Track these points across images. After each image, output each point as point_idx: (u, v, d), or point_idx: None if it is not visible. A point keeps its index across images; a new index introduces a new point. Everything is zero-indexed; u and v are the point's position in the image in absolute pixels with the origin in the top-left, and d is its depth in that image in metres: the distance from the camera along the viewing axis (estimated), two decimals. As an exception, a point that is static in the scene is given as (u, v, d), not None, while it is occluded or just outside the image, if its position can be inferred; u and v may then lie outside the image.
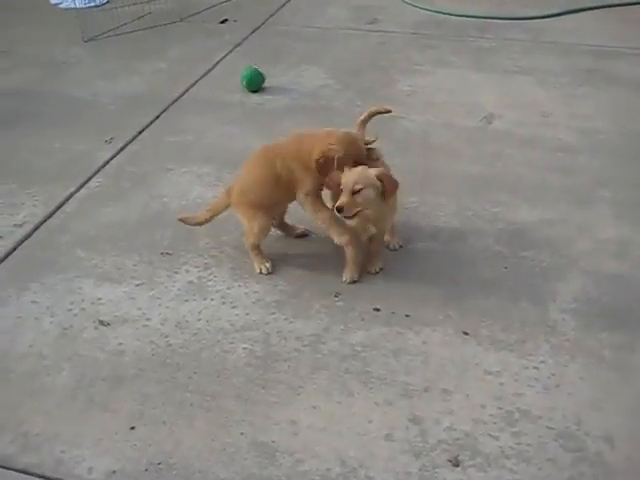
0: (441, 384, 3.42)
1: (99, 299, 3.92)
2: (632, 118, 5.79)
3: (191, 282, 4.05)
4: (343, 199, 3.70)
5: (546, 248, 4.31)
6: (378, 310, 3.84)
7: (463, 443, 3.15)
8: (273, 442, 3.14)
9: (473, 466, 3.05)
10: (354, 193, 3.70)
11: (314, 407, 3.31)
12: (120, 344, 3.63)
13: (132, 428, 3.20)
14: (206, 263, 4.20)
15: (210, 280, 4.05)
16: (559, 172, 5.05)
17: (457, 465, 3.07)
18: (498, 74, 6.66)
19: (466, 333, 3.71)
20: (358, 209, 3.74)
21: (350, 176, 3.72)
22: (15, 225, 4.49)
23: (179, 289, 3.98)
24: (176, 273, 4.11)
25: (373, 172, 3.75)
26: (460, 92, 6.29)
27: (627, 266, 4.16)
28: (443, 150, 5.35)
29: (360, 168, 3.76)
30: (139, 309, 3.85)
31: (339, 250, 4.01)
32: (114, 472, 3.01)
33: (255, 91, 6.31)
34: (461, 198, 4.76)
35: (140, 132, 5.58)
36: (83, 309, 3.86)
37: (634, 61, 6.87)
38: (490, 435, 3.19)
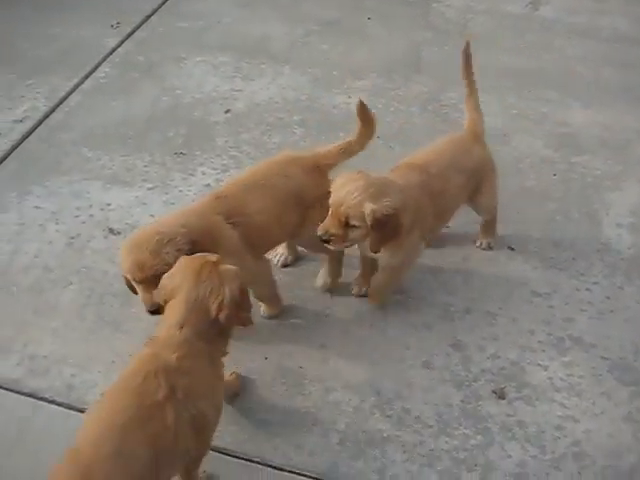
0: (485, 306, 3.12)
1: (108, 205, 3.57)
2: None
3: (208, 185, 3.68)
4: (331, 229, 2.73)
5: (600, 154, 3.89)
6: (414, 222, 3.50)
7: (509, 373, 2.88)
8: (301, 368, 2.89)
9: (520, 399, 2.79)
10: (347, 225, 2.74)
11: (345, 331, 3.03)
12: (132, 256, 3.33)
13: (147, 350, 2.96)
14: (224, 164, 3.82)
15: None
16: (616, 66, 4.53)
17: (502, 397, 2.80)
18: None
19: (512, 248, 3.38)
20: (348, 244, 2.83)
21: (344, 197, 2.69)
22: (15, 121, 4.08)
23: (195, 193, 3.61)
24: (191, 175, 3.74)
25: (373, 207, 2.65)
26: (502, -28, 5.63)
27: (691, 175, 3.77)
28: (484, 40, 4.79)
29: (360, 183, 2.70)
30: (152, 216, 3.50)
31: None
32: (128, 398, 2.79)
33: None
34: (504, 95, 4.28)
35: (148, 17, 5.04)
36: (91, 215, 3.52)
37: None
38: (539, 365, 2.91)
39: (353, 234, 2.74)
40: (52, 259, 3.31)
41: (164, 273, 2.38)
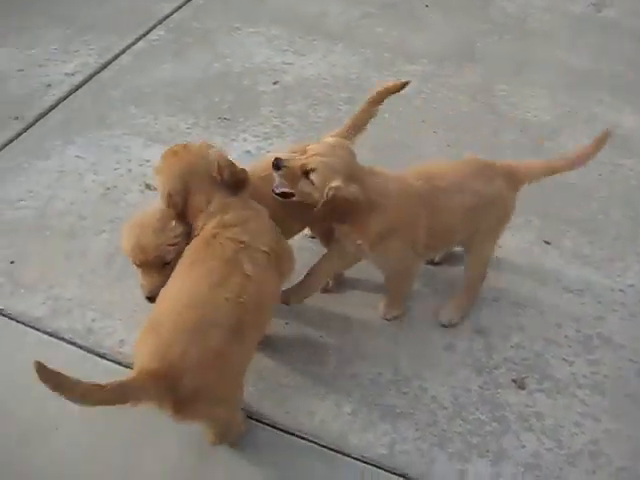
0: (513, 296, 3.05)
1: (147, 161, 3.59)
2: None
3: (248, 152, 3.68)
4: (292, 162, 2.53)
5: (648, 157, 3.79)
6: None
7: (532, 364, 2.81)
8: (321, 337, 2.87)
9: (541, 391, 2.72)
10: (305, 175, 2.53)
11: (370, 306, 2.99)
12: (166, 212, 3.34)
13: (170, 303, 2.96)
14: (266, 133, 3.81)
15: (269, 152, 3.64)
16: (675, 74, 4.41)
17: (522, 387, 2.74)
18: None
19: (547, 242, 3.30)
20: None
21: (324, 154, 2.51)
22: (66, 74, 4.14)
23: (234, 158, 3.58)
24: (233, 140, 3.73)
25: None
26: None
27: None
28: (542, 37, 4.71)
29: (345, 156, 2.55)
30: (189, 177, 3.52)
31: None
32: (147, 347, 2.79)
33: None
34: (557, 92, 4.19)
35: (207, -15, 5.07)
36: (129, 170, 3.55)
37: None
38: (564, 359, 2.84)
39: (302, 187, 2.51)
40: (87, 207, 3.34)
41: (167, 256, 2.40)
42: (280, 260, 2.48)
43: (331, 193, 2.45)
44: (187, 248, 2.38)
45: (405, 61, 4.35)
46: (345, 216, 2.53)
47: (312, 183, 2.49)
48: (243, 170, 2.54)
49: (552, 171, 2.85)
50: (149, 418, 2.33)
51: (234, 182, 2.50)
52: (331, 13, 4.80)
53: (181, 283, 2.26)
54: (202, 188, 2.44)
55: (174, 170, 2.49)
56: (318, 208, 2.50)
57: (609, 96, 4.18)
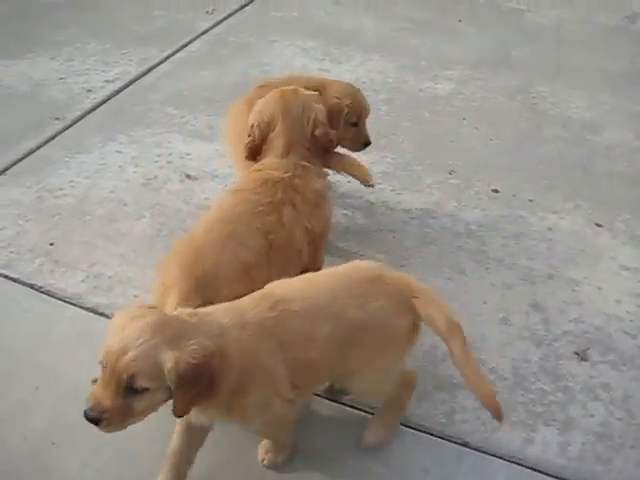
0: (569, 273, 2.94)
1: (188, 154, 3.57)
2: None
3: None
4: (105, 400, 1.73)
5: (696, 149, 3.71)
6: (497, 191, 3.36)
7: (593, 337, 2.67)
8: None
9: (605, 362, 2.58)
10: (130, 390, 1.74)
11: (420, 280, 2.88)
12: (207, 198, 3.28)
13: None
14: (305, 133, 3.79)
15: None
16: None
17: (585, 359, 2.59)
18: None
19: (599, 225, 3.19)
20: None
21: (124, 345, 1.72)
22: (106, 81, 4.18)
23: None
24: (272, 136, 3.72)
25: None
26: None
27: None
28: (578, 45, 4.73)
29: (147, 322, 1.74)
30: (230, 167, 3.42)
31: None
32: (189, 321, 2.70)
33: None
34: (596, 92, 4.16)
35: (243, 6, 5.15)
36: (170, 162, 3.52)
37: None
38: (626, 333, 2.70)
39: (141, 403, 1.75)
40: (128, 195, 3.31)
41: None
42: (313, 248, 2.47)
43: (174, 374, 1.70)
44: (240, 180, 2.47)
45: (441, 67, 4.36)
46: (213, 382, 1.78)
47: (146, 390, 1.74)
48: (333, 137, 2.61)
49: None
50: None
51: (322, 142, 2.54)
52: (366, 28, 4.86)
53: (219, 206, 2.35)
54: (287, 132, 2.48)
55: (270, 104, 2.52)
56: (177, 401, 1.77)
57: (650, 95, 4.15)
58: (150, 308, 1.84)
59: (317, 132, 2.50)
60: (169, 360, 1.68)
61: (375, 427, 2.27)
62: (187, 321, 1.79)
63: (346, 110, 2.88)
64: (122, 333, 1.70)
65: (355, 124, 2.95)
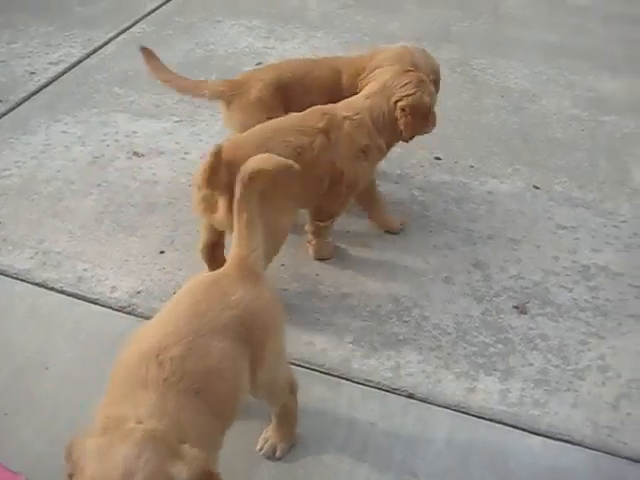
0: (508, 233, 3.05)
1: (134, 132, 3.58)
2: None
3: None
4: None
5: (629, 115, 3.85)
6: (439, 159, 3.45)
7: (532, 292, 2.79)
8: (317, 275, 2.82)
9: (543, 314, 2.69)
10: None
11: (364, 245, 2.97)
12: (154, 174, 3.31)
13: (161, 252, 2.90)
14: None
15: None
16: (648, 47, 4.54)
17: (524, 312, 2.70)
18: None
19: (537, 187, 3.31)
20: None
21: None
22: (50, 63, 4.14)
23: (222, 126, 3.61)
24: (219, 112, 3.73)
25: None
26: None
27: None
28: (517, 19, 4.85)
29: None
30: (177, 143, 3.51)
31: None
32: (139, 292, 2.72)
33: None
34: (534, 63, 4.29)
35: (189, -14, 5.16)
36: (117, 140, 3.53)
37: None
38: (563, 286, 2.82)
39: None
40: (74, 173, 3.31)
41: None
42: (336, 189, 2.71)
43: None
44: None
45: (385, 43, 4.35)
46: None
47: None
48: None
49: None
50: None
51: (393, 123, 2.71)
52: (310, 5, 4.91)
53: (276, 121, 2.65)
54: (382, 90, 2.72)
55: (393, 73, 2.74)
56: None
57: (586, 65, 4.28)
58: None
59: (400, 104, 2.66)
60: (181, 472, 1.48)
61: (273, 438, 2.18)
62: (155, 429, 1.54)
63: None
64: (114, 457, 1.45)
65: None
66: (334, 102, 2.79)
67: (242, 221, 2.00)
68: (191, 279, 1.99)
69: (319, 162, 2.59)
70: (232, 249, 2.03)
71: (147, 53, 3.01)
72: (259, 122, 2.76)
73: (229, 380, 1.78)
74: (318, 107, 2.69)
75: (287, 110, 2.78)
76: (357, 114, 2.67)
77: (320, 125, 2.59)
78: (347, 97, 2.85)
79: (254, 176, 2.01)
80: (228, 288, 1.90)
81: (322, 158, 2.59)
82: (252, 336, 1.85)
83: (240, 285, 1.92)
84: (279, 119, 2.66)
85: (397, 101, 2.67)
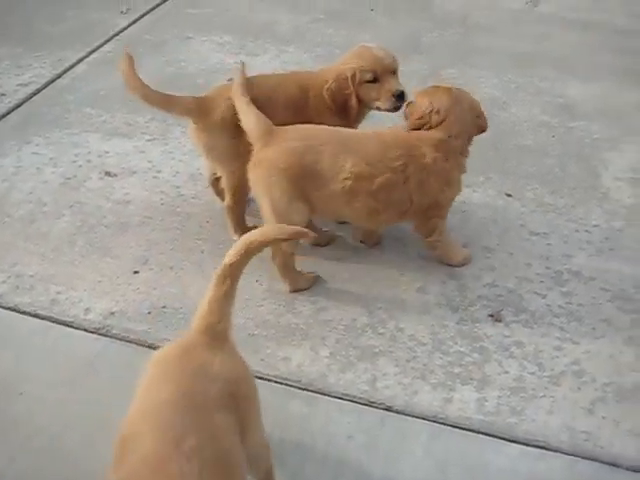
0: (482, 241, 3.07)
1: (106, 152, 3.57)
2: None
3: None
4: None
5: (598, 120, 3.90)
6: (411, 170, 3.48)
7: (506, 300, 2.80)
8: (295, 291, 2.81)
9: (517, 322, 2.71)
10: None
11: (339, 259, 2.97)
12: (127, 194, 3.30)
13: (135, 272, 2.89)
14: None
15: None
16: (614, 52, 4.59)
17: (499, 320, 2.72)
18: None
19: (509, 195, 3.34)
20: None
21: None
22: (20, 84, 4.12)
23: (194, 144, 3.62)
24: (191, 130, 3.75)
25: None
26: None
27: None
28: (485, 29, 4.89)
29: None
30: (150, 162, 3.51)
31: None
32: (113, 313, 2.71)
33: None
34: (504, 72, 4.33)
35: (158, 5, 5.14)
36: (89, 161, 3.52)
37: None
38: (536, 293, 2.84)
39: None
40: (46, 195, 3.30)
41: None
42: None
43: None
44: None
45: (355, 55, 4.46)
46: None
47: None
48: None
49: None
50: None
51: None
52: (281, 21, 4.92)
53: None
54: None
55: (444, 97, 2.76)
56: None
57: (554, 72, 4.33)
58: None
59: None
60: None
61: None
62: None
63: (351, 72, 2.87)
64: None
65: (374, 80, 2.90)
66: (301, 118, 2.80)
67: (223, 287, 1.86)
68: (155, 355, 1.83)
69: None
70: (200, 312, 1.87)
71: (129, 60, 2.91)
72: (223, 143, 2.78)
73: (237, 454, 1.70)
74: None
75: None
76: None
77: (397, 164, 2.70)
78: (313, 113, 2.87)
79: (261, 246, 1.90)
80: (203, 359, 1.79)
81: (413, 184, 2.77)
82: (238, 406, 1.78)
83: (214, 354, 1.80)
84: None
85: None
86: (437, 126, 2.71)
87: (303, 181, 2.63)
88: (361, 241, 3.05)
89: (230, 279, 1.87)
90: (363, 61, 2.89)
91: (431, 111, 2.70)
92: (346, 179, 2.62)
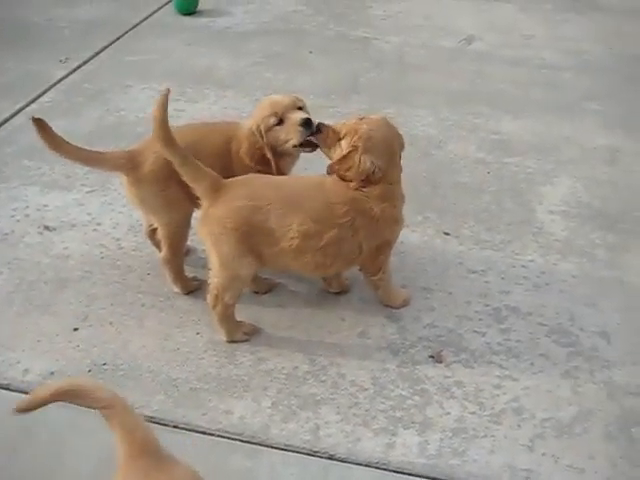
0: (421, 282, 3.11)
1: (45, 206, 3.54)
2: (619, 40, 5.53)
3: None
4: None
5: (531, 155, 4.02)
6: (351, 212, 3.53)
7: (446, 340, 2.84)
8: (232, 341, 2.81)
9: (458, 361, 2.74)
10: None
11: (279, 305, 2.99)
12: (66, 248, 3.27)
13: (75, 329, 2.85)
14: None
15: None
16: (544, 87, 4.76)
17: (440, 361, 2.75)
18: (477, 0, 6.36)
19: (447, 233, 3.40)
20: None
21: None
22: (-45, 139, 4.10)
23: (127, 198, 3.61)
24: (131, 182, 3.75)
25: None
26: (437, 17, 5.98)
27: (619, 172, 3.90)
28: (420, 68, 5.03)
29: None
30: (89, 214, 3.48)
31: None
32: (52, 373, 2.66)
33: (188, 14, 5.89)
34: (439, 110, 4.44)
35: (98, 53, 5.15)
36: (27, 215, 3.48)
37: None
38: (476, 331, 2.88)
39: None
40: (-18, 254, 3.25)
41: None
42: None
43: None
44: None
45: (294, 98, 4.53)
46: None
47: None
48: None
49: None
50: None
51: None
52: (220, 65, 4.98)
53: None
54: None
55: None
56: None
57: (488, 108, 4.46)
58: None
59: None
60: None
61: None
62: None
63: (256, 125, 2.86)
64: None
65: (280, 122, 2.87)
66: (227, 170, 2.80)
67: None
68: None
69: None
70: (122, 438, 1.74)
71: (39, 124, 2.87)
72: (155, 196, 2.78)
73: None
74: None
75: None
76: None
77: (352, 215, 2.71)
78: (236, 164, 2.87)
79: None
80: None
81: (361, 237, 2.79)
82: None
83: (159, 472, 1.72)
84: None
85: None
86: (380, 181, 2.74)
87: (252, 239, 2.64)
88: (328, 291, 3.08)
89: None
90: (263, 110, 2.90)
91: (374, 171, 2.70)
92: (293, 238, 2.63)
